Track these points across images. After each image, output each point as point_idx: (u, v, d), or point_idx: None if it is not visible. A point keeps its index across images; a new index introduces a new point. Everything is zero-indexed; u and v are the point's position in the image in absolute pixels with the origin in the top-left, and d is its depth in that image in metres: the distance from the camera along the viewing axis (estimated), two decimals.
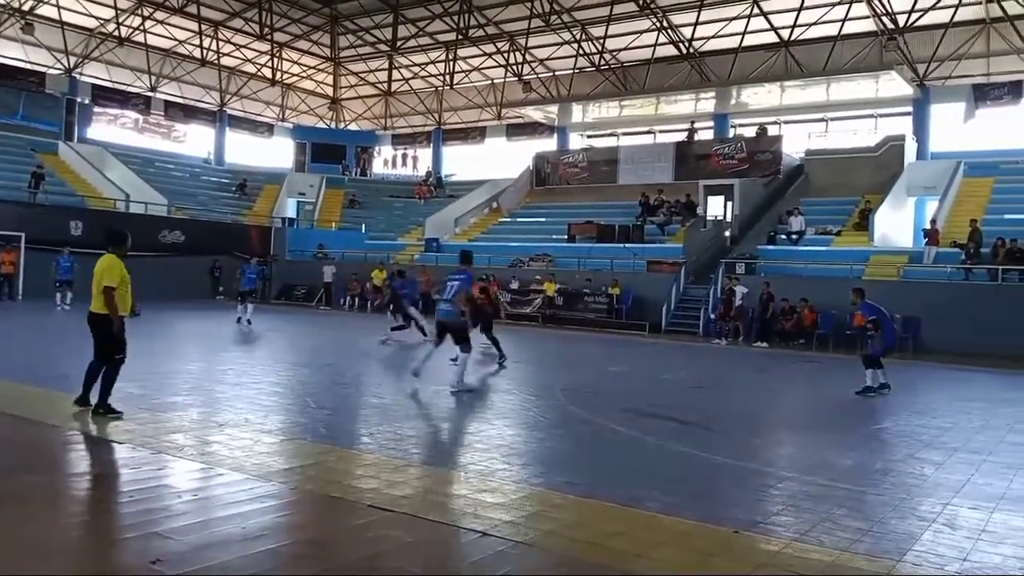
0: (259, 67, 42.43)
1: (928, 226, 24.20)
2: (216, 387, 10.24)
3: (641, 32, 33.64)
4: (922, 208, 27.06)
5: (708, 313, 23.55)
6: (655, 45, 33.54)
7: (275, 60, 41.63)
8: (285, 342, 18.21)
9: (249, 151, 43.99)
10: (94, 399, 7.78)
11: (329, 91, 46.44)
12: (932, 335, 19.99)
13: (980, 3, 27.39)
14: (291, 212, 39.22)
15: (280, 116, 45.31)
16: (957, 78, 29.23)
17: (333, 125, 46.65)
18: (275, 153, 44.69)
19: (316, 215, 38.62)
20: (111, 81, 38.46)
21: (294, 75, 44.19)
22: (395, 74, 43.39)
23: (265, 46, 40.51)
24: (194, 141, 42.53)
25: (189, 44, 39.24)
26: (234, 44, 39.93)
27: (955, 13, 27.57)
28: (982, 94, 28.84)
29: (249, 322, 19.98)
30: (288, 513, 5.16)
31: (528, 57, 37.16)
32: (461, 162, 43.39)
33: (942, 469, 7.24)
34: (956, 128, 29.54)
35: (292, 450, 6.83)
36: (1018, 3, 26.52)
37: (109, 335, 7.71)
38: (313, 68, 44.27)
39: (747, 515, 5.49)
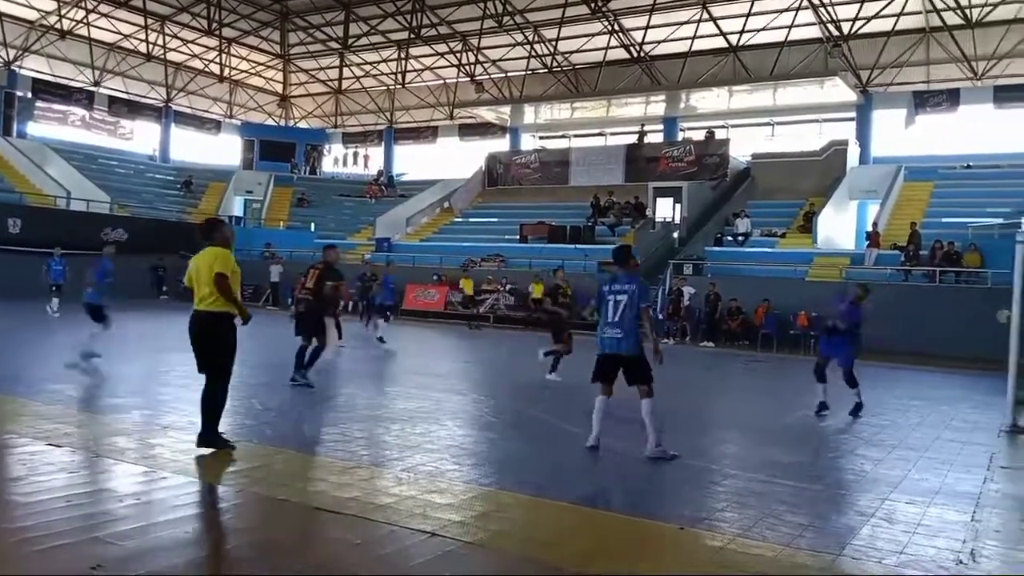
0: (207, 63, 41.63)
1: (870, 229, 24.85)
2: (160, 389, 10.03)
3: (593, 35, 33.89)
4: (864, 211, 27.76)
5: (656, 313, 23.83)
6: (607, 48, 33.85)
7: (223, 56, 40.90)
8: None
9: (196, 148, 43.16)
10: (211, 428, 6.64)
11: (278, 88, 45.79)
12: (873, 334, 20.40)
13: (921, 13, 28.20)
14: (238, 210, 38.52)
15: (228, 113, 44.54)
16: (898, 85, 30.07)
17: (282, 123, 46.01)
18: (222, 150, 43.89)
19: (264, 214, 38.04)
20: (53, 75, 37.36)
21: (243, 71, 43.47)
22: (346, 72, 42.97)
23: (213, 42, 39.77)
24: (141, 138, 41.56)
25: (134, 38, 38.34)
26: (181, 39, 39.07)
27: (897, 22, 28.36)
28: (922, 101, 29.72)
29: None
30: (233, 516, 5.09)
31: (481, 57, 37.16)
32: (413, 162, 43.17)
33: (880, 465, 7.45)
34: (897, 134, 30.37)
35: (238, 452, 6.73)
36: (956, 14, 27.41)
37: (225, 341, 6.55)
38: (262, 65, 43.60)
39: (693, 512, 5.58)
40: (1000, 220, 23.03)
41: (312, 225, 37.43)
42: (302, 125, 46.26)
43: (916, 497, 6.22)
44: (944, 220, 24.87)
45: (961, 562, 4.68)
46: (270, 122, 45.66)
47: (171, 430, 7.40)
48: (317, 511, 5.13)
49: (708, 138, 32.26)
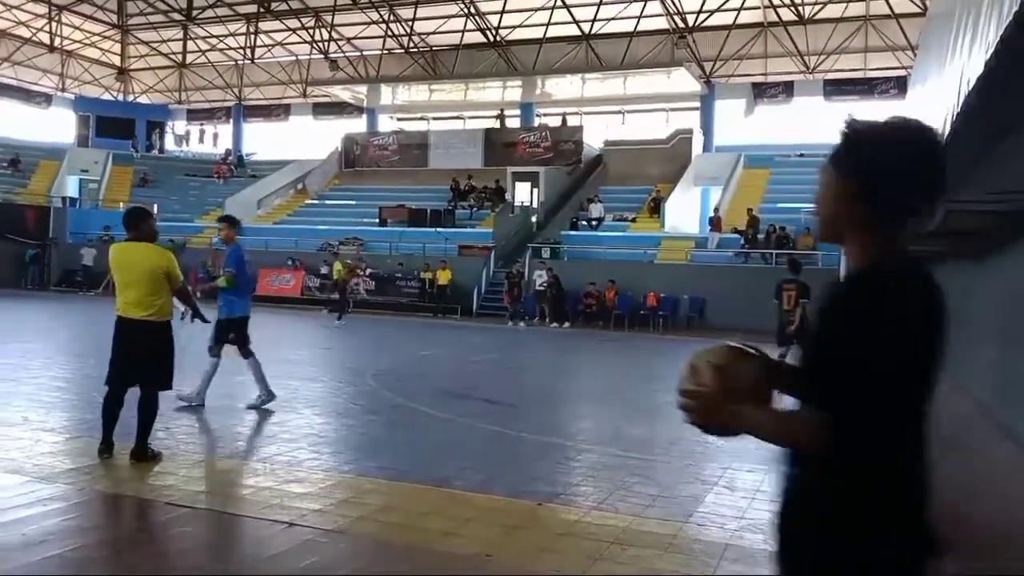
0: (34, 31, 38.37)
1: (712, 214, 26.24)
2: None
3: (449, 16, 33.78)
4: (707, 197, 29.25)
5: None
6: (463, 31, 33.86)
7: (53, 24, 37.81)
8: (69, 333, 16.75)
9: (23, 123, 39.61)
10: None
11: (116, 60, 42.81)
12: (716, 313, 21.75)
13: (759, 8, 29.90)
14: (73, 191, 35.92)
15: (60, 86, 41.26)
16: (739, 76, 31.81)
17: (121, 97, 43.13)
18: (54, 126, 40.57)
19: (101, 194, 35.60)
20: None
21: (76, 42, 40.34)
22: (191, 45, 40.78)
23: (42, 8, 36.70)
24: None
25: None
26: (4, 4, 35.78)
27: (737, 16, 29.95)
28: (760, 92, 31.64)
29: None
30: (75, 516, 4.78)
31: (335, 35, 36.20)
32: (264, 140, 41.59)
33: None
34: (738, 123, 32.19)
35: (79, 449, 6.32)
36: (791, 10, 29.27)
37: (171, 349, 6.07)
38: (98, 35, 40.59)
39: (550, 488, 5.76)
40: None
41: (155, 207, 35.34)
42: (143, 100, 43.53)
43: (756, 465, 6.66)
44: (779, 205, 26.58)
45: None
46: (107, 96, 42.67)
47: (2, 426, 6.85)
48: (168, 506, 4.92)
49: (562, 124, 32.94)
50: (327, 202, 34.60)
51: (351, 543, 4.47)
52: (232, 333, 8.28)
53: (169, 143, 42.34)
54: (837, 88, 30.53)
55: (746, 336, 14.20)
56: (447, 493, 5.48)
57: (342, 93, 36.75)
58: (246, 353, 8.31)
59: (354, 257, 26.89)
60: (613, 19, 31.32)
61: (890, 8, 27.62)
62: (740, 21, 30.27)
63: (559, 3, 31.10)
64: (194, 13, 36.49)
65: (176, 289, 6.15)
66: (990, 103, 3.15)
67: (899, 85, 27.56)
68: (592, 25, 31.64)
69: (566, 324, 22.28)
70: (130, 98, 43.36)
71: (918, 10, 25.37)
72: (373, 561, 4.29)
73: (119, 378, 6.01)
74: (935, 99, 4.78)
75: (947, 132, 4.01)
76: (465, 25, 33.54)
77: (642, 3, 29.97)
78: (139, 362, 5.96)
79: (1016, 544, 4.97)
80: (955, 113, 3.67)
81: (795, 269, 11.71)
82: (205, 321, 6.59)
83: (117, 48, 42.31)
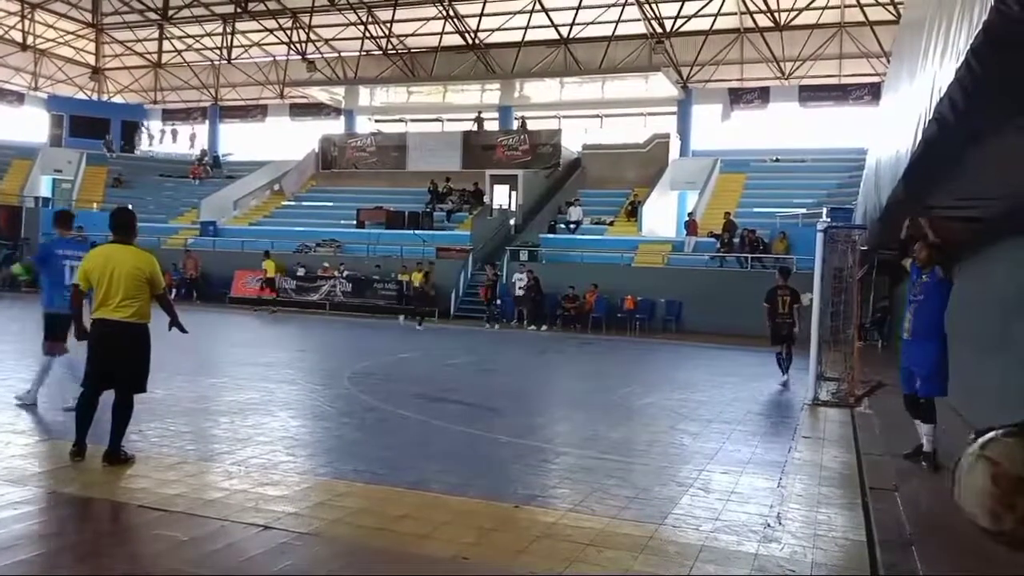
0: (6, 29, 37.83)
1: (688, 218, 26.41)
2: None
3: (428, 19, 33.77)
4: (684, 201, 29.48)
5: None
6: (442, 33, 33.82)
7: (26, 22, 37.30)
8: (37, 333, 16.48)
9: None
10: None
11: (90, 59, 42.35)
12: (692, 316, 21.92)
13: (736, 14, 30.16)
14: (45, 191, 35.49)
15: (33, 84, 40.70)
16: (715, 82, 32.06)
17: (95, 97, 42.63)
18: (26, 125, 40.04)
19: (75, 194, 35.16)
20: None
21: (49, 40, 39.84)
22: (166, 45, 40.45)
23: (14, 6, 36.22)
24: None
25: None
26: None
27: (714, 22, 30.20)
28: (736, 97, 31.91)
29: None
30: (44, 519, 4.72)
31: (312, 36, 36.04)
32: (240, 141, 41.29)
33: (698, 439, 7.99)
34: (714, 128, 32.44)
35: (48, 451, 6.24)
36: (767, 16, 29.54)
37: (148, 352, 6.02)
38: (72, 34, 40.15)
39: (527, 490, 5.77)
40: (803, 210, 25.13)
41: (129, 207, 34.84)
42: (117, 100, 43.07)
43: (730, 467, 6.73)
44: (755, 209, 26.83)
45: (769, 525, 5.12)
46: (81, 96, 42.18)
47: None
48: (140, 509, 4.87)
49: (521, 127, 32.93)
50: (304, 203, 34.42)
51: (326, 546, 4.45)
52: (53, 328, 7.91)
53: (144, 143, 41.88)
54: (812, 94, 30.87)
55: (725, 339, 14.39)
56: (423, 496, 5.47)
57: (319, 94, 36.59)
58: (44, 348, 7.99)
59: (332, 260, 26.78)
60: (591, 23, 31.44)
61: (864, 16, 27.99)
62: (717, 27, 30.52)
63: (538, 7, 31.18)
64: (170, 13, 36.18)
65: (156, 295, 6.06)
66: (960, 112, 3.20)
67: (873, 92, 27.93)
68: (571, 29, 31.78)
69: (543, 327, 22.31)
70: (104, 98, 42.89)
71: (892, 17, 25.74)
72: (348, 564, 4.27)
73: (95, 380, 5.93)
74: (907, 106, 4.84)
75: (919, 140, 4.07)
76: (444, 27, 33.50)
77: (620, 8, 30.12)
78: (117, 364, 5.90)
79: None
80: (926, 120, 3.73)
81: (786, 275, 12.84)
82: (184, 331, 6.44)
83: (91, 47, 41.87)
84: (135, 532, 4.65)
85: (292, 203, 34.40)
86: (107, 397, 5.96)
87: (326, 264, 26.74)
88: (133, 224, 6.23)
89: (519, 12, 31.76)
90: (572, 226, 27.66)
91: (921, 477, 6.66)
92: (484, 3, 31.39)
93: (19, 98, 40.20)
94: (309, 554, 4.33)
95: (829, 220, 16.67)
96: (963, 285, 9.56)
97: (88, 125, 39.39)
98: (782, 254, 22.84)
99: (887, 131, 6.61)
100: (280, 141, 39.02)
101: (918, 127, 4.04)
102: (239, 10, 34.42)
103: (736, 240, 24.03)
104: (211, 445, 6.87)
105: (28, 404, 7.93)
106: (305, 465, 6.27)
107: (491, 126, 34.72)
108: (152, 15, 37.23)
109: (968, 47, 2.67)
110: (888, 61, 20.92)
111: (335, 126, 38.12)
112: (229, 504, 5.05)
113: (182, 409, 8.27)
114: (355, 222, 30.13)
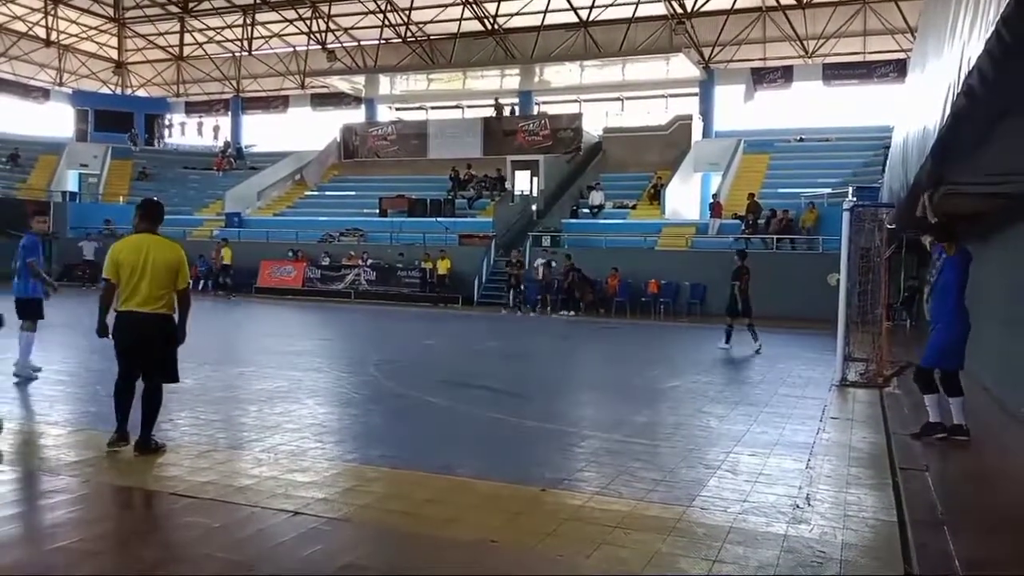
0: (31, 25, 38.21)
1: (712, 200, 26.20)
2: None
3: (446, 5, 33.63)
4: (707, 183, 29.21)
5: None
6: (461, 19, 33.68)
7: (49, 19, 37.66)
8: (71, 326, 16.73)
9: (21, 118, 39.57)
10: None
11: (113, 54, 42.69)
12: (717, 300, 21.68)
13: None
14: (72, 185, 35.88)
15: (57, 80, 41.14)
16: (738, 62, 31.68)
17: (119, 91, 43.02)
18: (52, 121, 40.52)
19: (101, 188, 35.58)
20: None
21: (72, 35, 40.20)
22: (188, 38, 40.65)
23: (38, 2, 36.55)
24: None
25: None
26: None
27: (736, 1, 29.78)
28: (759, 77, 31.52)
29: None
30: (80, 508, 4.80)
31: (332, 25, 36.07)
32: (263, 132, 41.52)
33: (725, 421, 7.95)
34: (737, 108, 32.08)
35: (83, 441, 6.34)
36: None
37: (175, 342, 6.07)
38: (95, 29, 40.47)
39: (553, 473, 5.78)
40: (829, 190, 24.82)
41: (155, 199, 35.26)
42: (141, 94, 43.45)
43: (758, 449, 6.69)
44: (780, 190, 26.56)
45: (798, 506, 5.09)
46: (105, 90, 42.59)
47: (7, 420, 6.85)
48: (173, 496, 4.95)
49: (498, 112, 32.90)
50: (327, 193, 34.57)
51: (355, 531, 4.49)
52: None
53: (165, 135, 42.26)
54: (836, 72, 30.42)
55: (755, 321, 14.07)
56: (450, 480, 5.50)
57: (340, 84, 36.65)
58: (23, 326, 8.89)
59: (356, 248, 26.91)
60: (611, 5, 31.15)
61: None
62: (738, 6, 30.11)
63: None
64: (191, 6, 36.36)
65: (179, 290, 6.01)
66: (991, 84, 3.14)
67: (898, 68, 27.47)
68: (590, 12, 31.48)
69: (571, 312, 22.17)
70: (128, 91, 43.27)
71: None
72: (377, 548, 4.32)
73: (126, 371, 6.00)
74: (935, 81, 4.75)
75: (947, 115, 3.99)
76: (462, 14, 33.37)
77: None
78: (145, 355, 5.96)
79: None
80: (955, 95, 3.65)
81: (743, 256, 14.51)
82: (182, 339, 6.33)
83: (114, 42, 42.19)
84: (168, 519, 4.72)
85: (315, 193, 34.57)
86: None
87: (352, 253, 26.88)
88: (159, 215, 6.26)
89: None
90: (594, 210, 27.54)
91: (952, 457, 6.60)
92: None
93: (44, 94, 40.66)
94: (339, 539, 4.37)
95: (855, 199, 16.45)
96: (992, 265, 9.42)
97: (113, 119, 39.78)
98: (811, 225, 22.69)
99: (914, 107, 6.50)
100: (302, 131, 39.18)
101: (947, 102, 3.97)
102: (259, 1, 34.52)
103: (761, 222, 23.80)
104: (240, 433, 6.96)
105: (27, 377, 8.85)
106: (333, 451, 6.33)
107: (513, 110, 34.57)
108: (173, 8, 37.47)
109: (999, 16, 2.61)
110: (914, 36, 20.53)
111: (356, 115, 38.20)
112: (259, 491, 5.11)
113: (211, 398, 8.37)
114: (377, 211, 30.22)
